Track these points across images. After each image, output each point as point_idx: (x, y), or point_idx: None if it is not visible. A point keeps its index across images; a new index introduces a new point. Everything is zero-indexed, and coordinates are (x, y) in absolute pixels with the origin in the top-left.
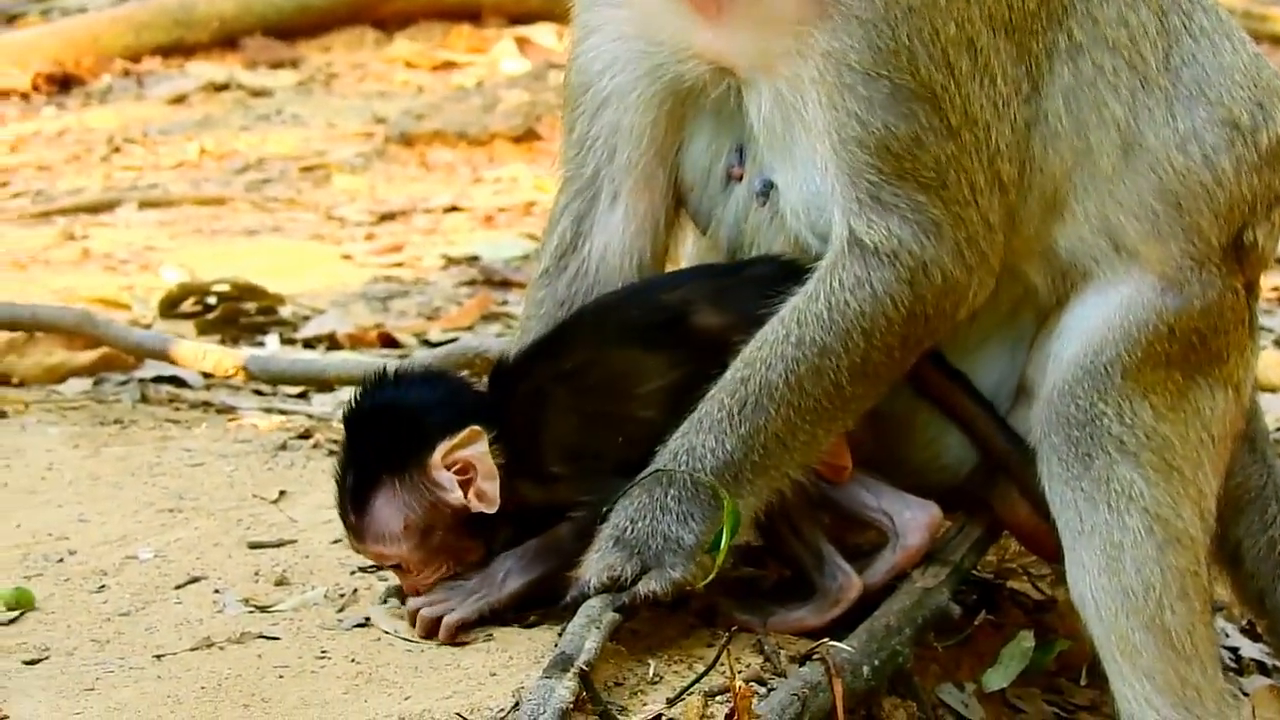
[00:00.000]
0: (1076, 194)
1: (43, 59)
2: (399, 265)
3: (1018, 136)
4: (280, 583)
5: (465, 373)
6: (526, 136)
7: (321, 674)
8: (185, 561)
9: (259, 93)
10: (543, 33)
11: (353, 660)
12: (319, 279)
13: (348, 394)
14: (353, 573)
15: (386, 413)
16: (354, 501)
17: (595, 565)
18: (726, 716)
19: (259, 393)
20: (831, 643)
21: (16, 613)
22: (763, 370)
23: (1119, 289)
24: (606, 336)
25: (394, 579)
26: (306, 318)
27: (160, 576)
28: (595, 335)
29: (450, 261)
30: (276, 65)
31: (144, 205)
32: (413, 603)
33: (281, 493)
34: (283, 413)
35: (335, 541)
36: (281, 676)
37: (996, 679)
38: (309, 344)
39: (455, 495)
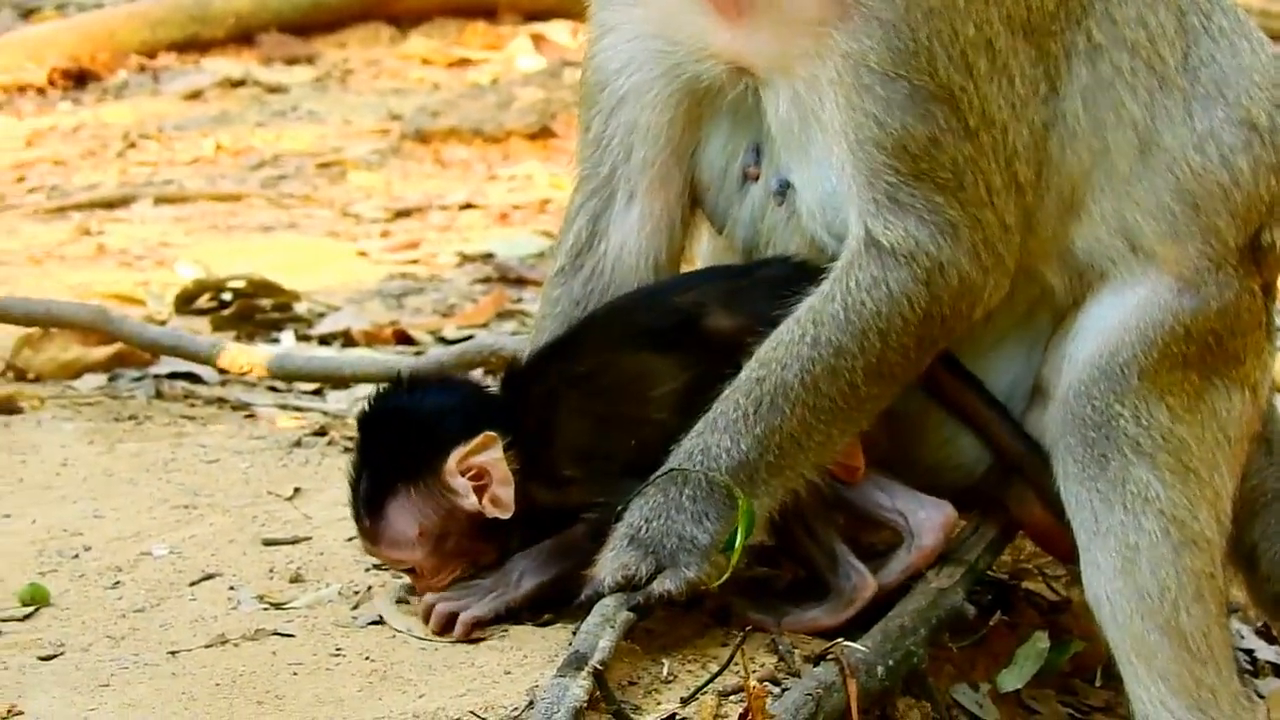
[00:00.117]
0: (1094, 194)
1: (59, 54)
2: (414, 262)
3: (1035, 137)
4: (295, 580)
5: (480, 370)
6: (542, 134)
7: (336, 671)
8: (200, 558)
9: (275, 89)
10: (558, 30)
11: (367, 658)
12: (334, 275)
13: (363, 391)
14: (367, 570)
15: (401, 419)
16: (368, 507)
17: (610, 564)
18: (741, 716)
19: (274, 389)
20: (846, 643)
21: (31, 609)
22: (778, 370)
23: (1136, 290)
24: (618, 339)
25: (407, 579)
26: (322, 314)
27: (175, 573)
28: (607, 338)
29: (465, 259)
30: (292, 61)
31: (159, 201)
32: (428, 598)
33: (296, 490)
34: (298, 409)
35: (350, 539)
36: (296, 674)
37: (1011, 680)
38: (324, 341)
39: (470, 501)
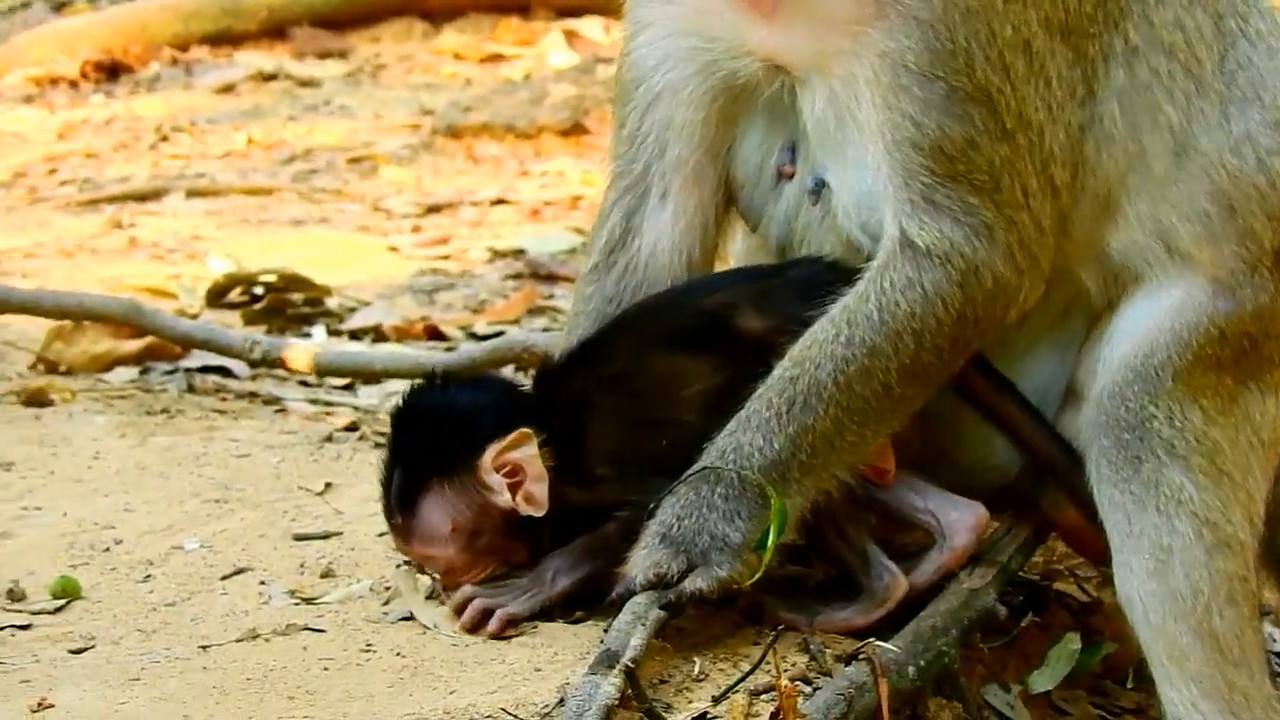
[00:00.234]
0: (1129, 197)
1: (91, 47)
2: (445, 258)
3: (1071, 140)
4: (326, 575)
5: (512, 367)
6: (574, 130)
7: (366, 667)
8: (231, 552)
9: (307, 83)
10: (591, 26)
11: (398, 654)
12: (365, 270)
13: (394, 386)
14: (398, 566)
15: (435, 415)
16: (401, 503)
17: (642, 562)
18: (772, 715)
19: (305, 384)
20: (877, 643)
21: (62, 601)
22: (811, 369)
23: (1170, 292)
24: (649, 341)
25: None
26: (353, 309)
27: (206, 567)
28: (637, 340)
29: (496, 254)
30: (325, 56)
31: (191, 194)
32: (464, 592)
33: (328, 485)
34: (329, 404)
35: (381, 534)
36: (326, 669)
37: (1042, 681)
38: (355, 336)
39: (504, 498)
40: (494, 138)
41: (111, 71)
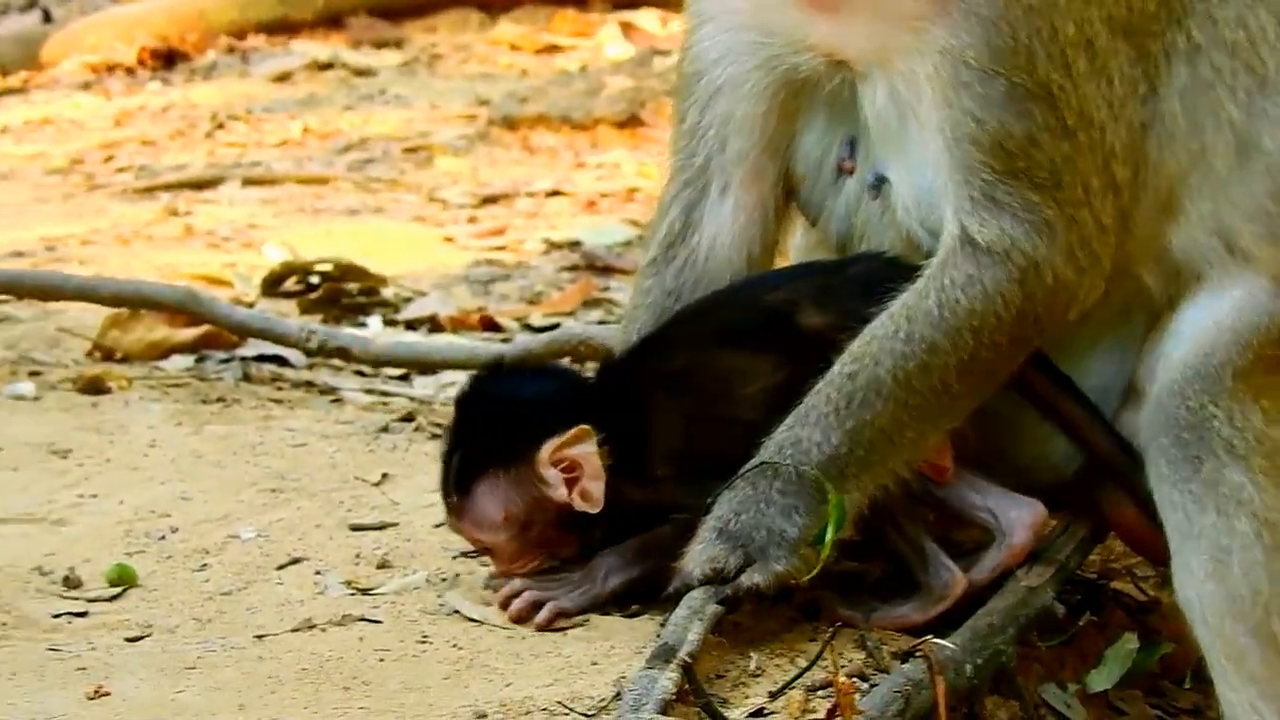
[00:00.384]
0: (1191, 196)
1: (148, 34)
2: (501, 249)
3: (1133, 138)
4: (382, 565)
5: (568, 359)
6: (630, 122)
7: (423, 659)
8: (287, 542)
9: (363, 72)
10: (647, 18)
11: (454, 645)
12: (421, 260)
13: (450, 377)
14: (454, 557)
15: (499, 403)
16: (458, 484)
17: (699, 557)
18: (828, 712)
19: (361, 374)
20: (935, 640)
21: (119, 589)
22: (870, 365)
23: (1231, 291)
24: (709, 339)
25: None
26: (408, 299)
27: (262, 556)
28: (698, 337)
29: (552, 246)
30: (381, 45)
31: (247, 183)
32: (515, 584)
33: (384, 475)
34: (385, 394)
35: (437, 525)
36: (382, 660)
37: (1100, 680)
38: (411, 326)
39: (560, 492)
40: (550, 129)
41: (168, 59)
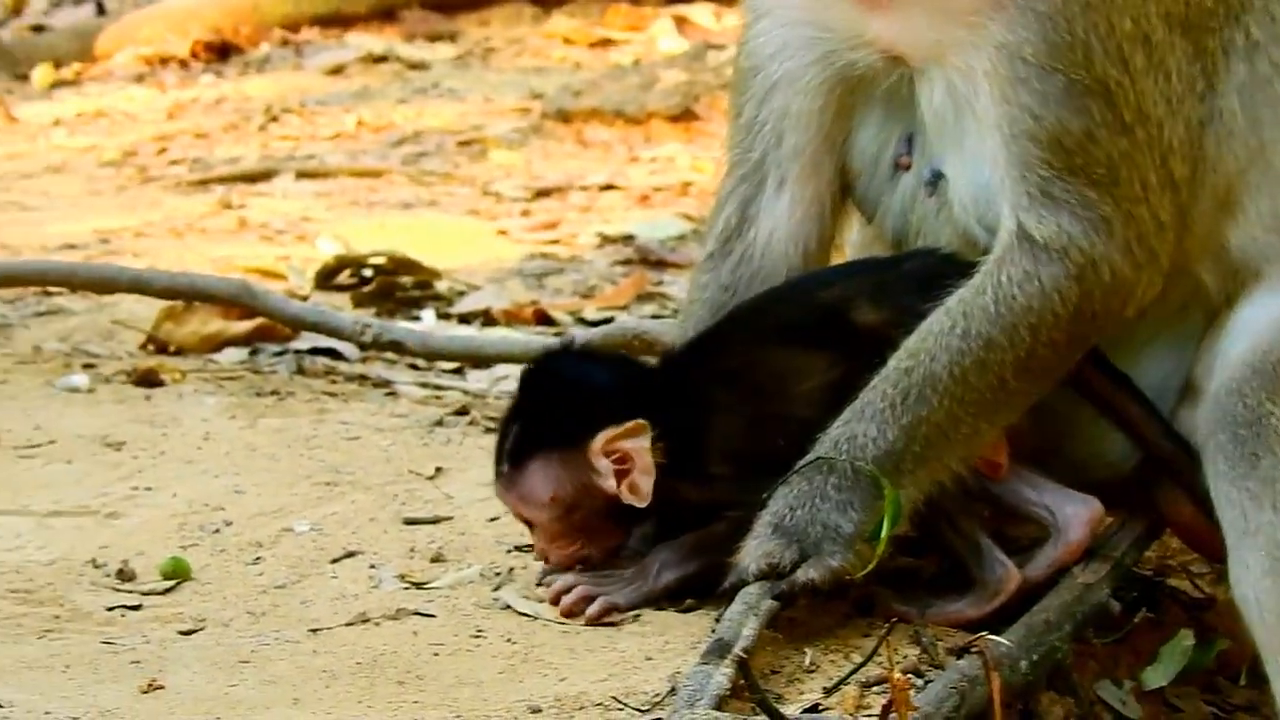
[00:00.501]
0: (1249, 193)
1: (202, 27)
2: (554, 242)
3: (1191, 134)
4: (436, 560)
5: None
6: (684, 116)
7: (477, 653)
8: (341, 536)
9: (417, 65)
10: (701, 12)
11: (508, 640)
12: (474, 254)
13: (504, 371)
14: (508, 551)
15: (564, 384)
16: (511, 457)
17: (754, 552)
18: (884, 708)
19: (414, 367)
20: (990, 636)
21: (172, 583)
22: (926, 361)
23: None
24: (765, 337)
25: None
26: (462, 293)
27: (316, 550)
28: (754, 336)
29: (606, 240)
30: (434, 38)
31: (301, 176)
32: (568, 579)
33: (438, 469)
34: (438, 388)
35: (492, 519)
36: (437, 654)
37: (1155, 677)
38: (464, 319)
39: (609, 483)
40: (603, 123)
41: (222, 52)
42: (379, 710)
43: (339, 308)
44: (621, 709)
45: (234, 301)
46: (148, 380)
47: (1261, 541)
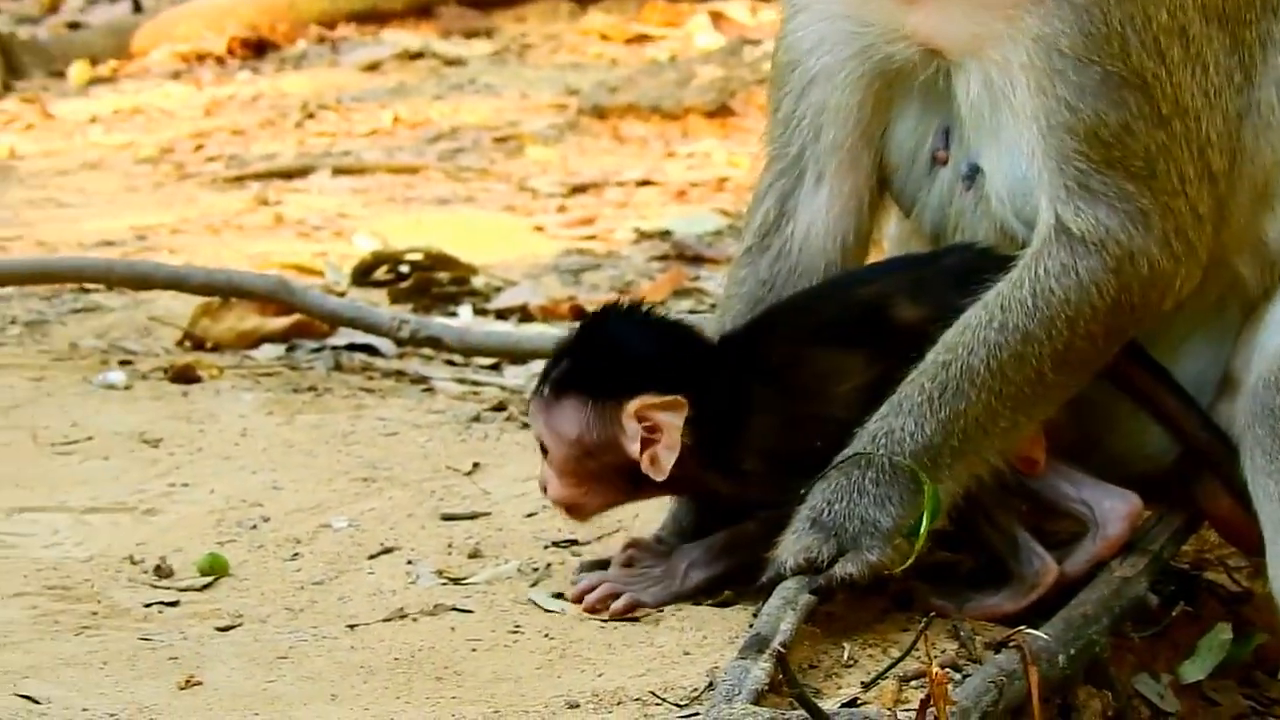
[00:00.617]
0: None
1: (239, 23)
2: (591, 238)
3: (1229, 127)
4: (473, 555)
5: None
6: (720, 112)
7: (515, 648)
8: (378, 532)
9: (453, 62)
10: (737, 8)
11: (546, 635)
12: (511, 250)
13: (541, 367)
14: (546, 547)
15: (623, 338)
16: (553, 388)
17: (792, 546)
18: (922, 702)
19: (451, 363)
20: (1028, 630)
21: (210, 579)
22: (964, 355)
23: None
24: (805, 335)
25: (588, 556)
26: (499, 289)
27: (354, 546)
28: (793, 334)
29: (642, 235)
30: (471, 34)
31: (337, 172)
32: (595, 576)
33: (475, 465)
34: (476, 384)
35: (529, 515)
36: (474, 650)
37: (1193, 671)
38: (501, 315)
39: (633, 447)
40: (640, 118)
41: (258, 48)
42: (416, 705)
43: (376, 304)
44: (659, 704)
45: (271, 298)
46: (185, 377)
47: None
